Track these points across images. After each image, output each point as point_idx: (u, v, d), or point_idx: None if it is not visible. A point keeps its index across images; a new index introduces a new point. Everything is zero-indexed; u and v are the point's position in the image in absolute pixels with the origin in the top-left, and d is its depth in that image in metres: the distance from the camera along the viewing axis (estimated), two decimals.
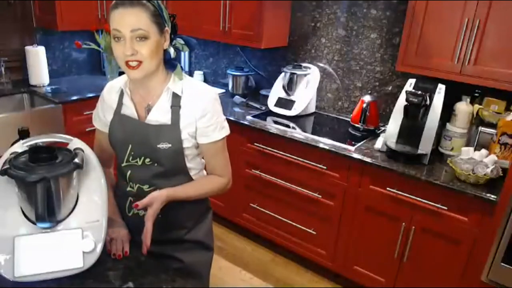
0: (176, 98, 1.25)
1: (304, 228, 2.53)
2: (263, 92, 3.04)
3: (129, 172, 1.31)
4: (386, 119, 2.47)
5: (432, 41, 2.12)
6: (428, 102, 2.09)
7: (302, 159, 2.41)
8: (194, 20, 2.95)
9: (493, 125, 2.06)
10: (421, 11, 2.11)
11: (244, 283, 2.54)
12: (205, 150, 1.33)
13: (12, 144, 1.18)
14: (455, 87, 2.13)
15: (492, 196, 1.82)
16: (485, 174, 1.88)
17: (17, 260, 1.06)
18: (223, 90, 3.28)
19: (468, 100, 2.17)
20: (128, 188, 1.33)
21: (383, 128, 2.54)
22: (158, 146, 1.24)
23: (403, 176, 2.05)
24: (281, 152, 2.50)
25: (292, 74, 2.75)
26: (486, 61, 1.98)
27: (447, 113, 2.19)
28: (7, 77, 2.97)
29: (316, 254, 2.54)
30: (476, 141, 2.11)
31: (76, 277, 1.10)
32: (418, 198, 2.04)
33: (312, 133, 2.47)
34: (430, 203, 2.01)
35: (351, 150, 2.25)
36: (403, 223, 2.11)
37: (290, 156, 2.46)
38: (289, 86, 2.78)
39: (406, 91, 2.11)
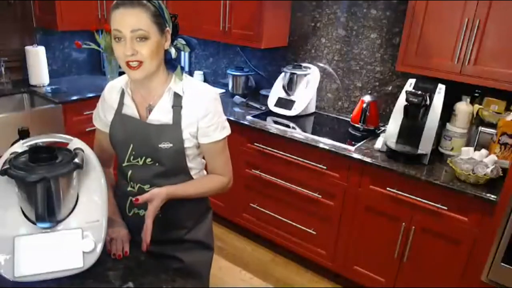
0: (177, 98, 1.25)
1: (304, 228, 2.53)
2: (263, 92, 3.04)
3: (130, 172, 1.31)
4: (386, 119, 2.47)
5: (432, 41, 2.12)
6: (428, 102, 2.09)
7: (302, 159, 2.41)
8: (194, 20, 2.95)
9: (493, 125, 2.06)
10: (421, 11, 2.11)
11: (244, 283, 2.54)
12: (206, 150, 1.33)
13: (12, 144, 1.18)
14: (455, 87, 2.13)
15: (492, 196, 1.82)
16: (485, 174, 1.88)
17: (17, 260, 1.06)
18: (223, 90, 3.28)
19: (468, 100, 2.17)
20: (129, 188, 1.33)
21: (383, 128, 2.54)
22: (159, 145, 1.24)
23: (403, 176, 2.05)
24: (281, 152, 2.50)
25: (292, 74, 2.75)
26: (486, 61, 1.98)
27: (447, 113, 2.19)
28: (7, 77, 2.97)
29: (316, 254, 2.54)
30: (476, 141, 2.11)
31: (76, 277, 1.10)
32: (418, 198, 2.04)
33: (312, 133, 2.47)
34: (430, 203, 2.01)
35: (351, 150, 2.25)
36: (403, 223, 2.11)
37: (290, 156, 2.46)
38: (289, 86, 2.78)
39: (406, 91, 2.11)
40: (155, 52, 1.17)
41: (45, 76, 3.07)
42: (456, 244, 1.99)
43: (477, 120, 2.14)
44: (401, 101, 2.16)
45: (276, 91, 2.86)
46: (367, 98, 2.53)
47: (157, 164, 1.27)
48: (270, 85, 2.97)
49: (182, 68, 1.29)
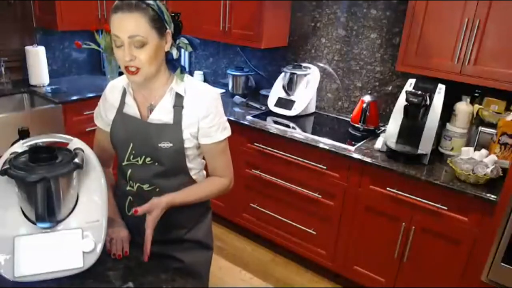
0: (179, 98, 1.25)
1: (304, 228, 2.53)
2: (263, 92, 3.04)
3: (129, 171, 1.31)
4: (386, 119, 2.47)
5: (432, 41, 2.12)
6: (428, 102, 2.09)
7: (302, 159, 2.41)
8: (194, 20, 2.95)
9: (493, 125, 2.06)
10: (421, 11, 2.11)
11: (244, 283, 2.54)
12: (206, 150, 1.33)
13: (12, 144, 1.18)
14: (455, 87, 2.13)
15: (492, 196, 1.82)
16: (485, 174, 1.88)
17: (17, 260, 1.06)
18: (223, 90, 3.27)
19: (468, 100, 2.17)
20: (128, 188, 1.34)
21: (383, 128, 2.54)
22: (159, 145, 1.24)
23: (403, 176, 2.05)
24: (281, 152, 2.50)
25: (292, 74, 2.75)
26: (486, 61, 1.98)
27: (447, 113, 2.19)
28: (7, 77, 2.97)
29: (316, 254, 2.54)
30: (476, 141, 2.11)
31: (76, 277, 1.10)
32: (418, 198, 2.04)
33: (312, 133, 2.47)
34: (430, 203, 2.01)
35: (351, 150, 2.25)
36: (403, 223, 2.11)
37: (290, 156, 2.46)
38: (289, 86, 2.78)
39: (406, 91, 2.11)
40: (153, 57, 1.16)
41: (45, 76, 3.07)
42: (456, 244, 1.99)
43: (477, 120, 2.14)
44: (401, 101, 2.16)
45: (276, 91, 2.86)
46: (367, 98, 2.53)
47: (156, 163, 1.27)
48: (270, 85, 2.97)
49: (184, 69, 1.29)
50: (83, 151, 1.15)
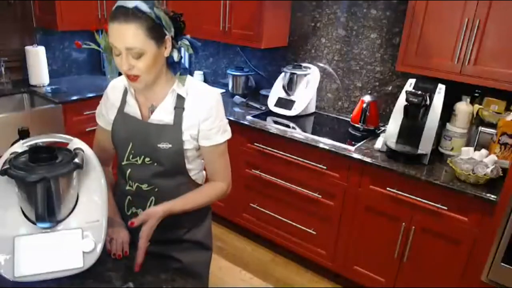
0: (180, 99, 1.25)
1: (304, 228, 2.53)
2: (263, 92, 3.04)
3: (128, 171, 1.31)
4: (386, 119, 2.47)
5: (432, 41, 2.12)
6: (428, 102, 2.09)
7: (302, 159, 2.41)
8: (194, 20, 2.95)
9: (493, 125, 2.06)
10: (421, 11, 2.11)
11: (244, 283, 2.54)
12: (206, 153, 1.32)
13: (12, 144, 1.18)
14: (455, 87, 2.13)
15: (492, 196, 1.82)
16: (485, 174, 1.88)
17: (17, 260, 1.06)
18: (223, 90, 3.27)
19: (468, 100, 2.17)
20: (127, 187, 1.34)
21: (383, 128, 2.54)
22: (159, 145, 1.24)
23: (403, 176, 2.05)
24: (281, 152, 2.50)
25: (292, 74, 2.75)
26: (486, 61, 1.98)
27: (447, 113, 2.19)
28: (7, 77, 2.97)
29: (316, 254, 2.54)
30: (476, 141, 2.11)
31: (76, 277, 1.10)
32: (418, 198, 2.04)
33: (312, 133, 2.47)
34: (430, 203, 2.01)
35: (351, 150, 2.25)
36: (403, 223, 2.11)
37: (290, 156, 2.46)
38: (289, 86, 2.78)
39: (406, 91, 2.11)
40: (152, 65, 1.16)
41: (45, 76, 3.07)
42: (456, 244, 1.99)
43: (477, 120, 2.14)
44: (401, 101, 2.16)
45: (276, 91, 2.86)
46: (367, 98, 2.53)
47: (155, 164, 1.27)
48: (270, 85, 2.97)
49: (186, 70, 1.28)
50: (83, 151, 1.15)
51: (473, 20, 1.96)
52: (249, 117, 2.69)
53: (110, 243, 1.22)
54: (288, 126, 2.59)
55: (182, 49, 1.26)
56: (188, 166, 1.30)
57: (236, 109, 2.87)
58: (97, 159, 1.20)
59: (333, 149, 2.27)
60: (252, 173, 2.67)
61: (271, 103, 2.84)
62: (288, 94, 2.80)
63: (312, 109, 2.87)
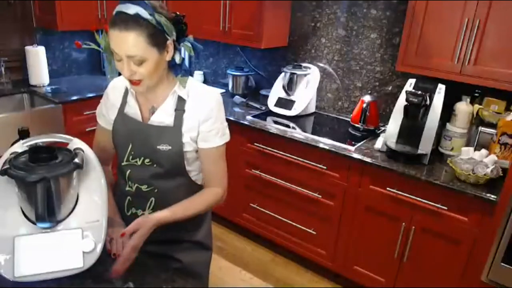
0: (181, 101, 1.25)
1: (304, 228, 2.53)
2: (263, 92, 3.04)
3: (128, 172, 1.31)
4: (386, 119, 2.47)
5: (432, 41, 2.12)
6: (428, 102, 2.09)
7: (302, 159, 2.41)
8: (194, 20, 2.94)
9: (493, 125, 2.06)
10: (421, 11, 2.11)
11: (244, 283, 2.54)
12: (203, 155, 1.30)
13: (12, 144, 1.18)
14: (455, 87, 2.13)
15: (492, 196, 1.82)
16: (485, 174, 1.88)
17: (17, 260, 1.06)
18: (223, 90, 3.27)
19: (468, 100, 2.17)
20: (127, 188, 1.33)
21: (383, 128, 2.54)
22: (158, 147, 1.24)
23: (403, 176, 2.05)
24: (281, 152, 2.50)
25: (292, 74, 2.75)
26: (486, 61, 1.98)
27: (447, 113, 2.19)
28: (7, 77, 2.97)
29: (316, 254, 2.54)
30: (476, 141, 2.11)
31: (76, 277, 1.10)
32: (418, 198, 2.04)
33: (312, 133, 2.47)
34: (430, 203, 2.01)
35: (351, 150, 2.25)
36: (403, 223, 2.11)
37: (290, 156, 2.46)
38: (289, 86, 2.78)
39: (406, 91, 2.11)
40: (154, 71, 1.16)
41: (45, 76, 3.07)
42: (456, 244, 1.99)
43: (477, 120, 2.14)
44: (401, 101, 2.16)
45: (276, 91, 2.86)
46: (367, 98, 2.53)
47: (155, 165, 1.27)
48: (270, 85, 2.97)
49: (187, 71, 1.27)
50: (83, 151, 1.15)
51: (473, 20, 1.96)
52: (249, 117, 2.69)
53: (110, 243, 1.22)
54: (288, 126, 2.59)
55: (183, 49, 1.26)
56: (188, 167, 1.30)
57: (236, 109, 2.87)
58: (97, 159, 1.20)
59: (333, 149, 2.27)
60: (252, 173, 2.67)
61: (271, 103, 2.84)
62: (288, 94, 2.80)
63: (312, 109, 2.87)
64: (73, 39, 3.31)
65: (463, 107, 2.16)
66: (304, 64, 2.85)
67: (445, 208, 1.97)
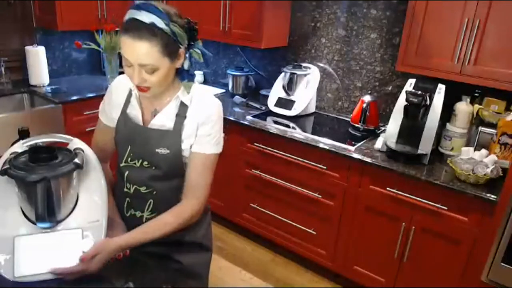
0: (183, 107, 1.24)
1: (304, 228, 2.53)
2: (263, 92, 3.04)
3: (127, 173, 1.31)
4: (386, 119, 2.47)
5: (432, 41, 2.12)
6: (428, 102, 2.09)
7: (302, 159, 2.41)
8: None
9: (493, 125, 2.06)
10: (421, 11, 2.11)
11: (244, 283, 2.54)
12: (191, 159, 1.26)
13: (12, 144, 1.18)
14: (455, 87, 2.13)
15: (492, 196, 1.82)
16: (485, 174, 1.88)
17: (17, 260, 1.06)
18: (223, 90, 3.27)
19: (468, 100, 2.17)
20: (125, 189, 1.33)
21: (383, 128, 2.54)
22: (157, 150, 1.23)
23: (403, 176, 2.05)
24: (281, 152, 2.50)
25: (292, 74, 2.75)
26: (486, 61, 1.98)
27: (447, 113, 2.20)
28: (7, 77, 2.97)
29: (316, 254, 2.54)
30: (476, 141, 2.11)
31: (76, 277, 1.10)
32: (418, 198, 2.04)
33: (312, 133, 2.47)
34: (430, 203, 2.01)
35: (351, 150, 2.25)
36: (403, 223, 2.11)
37: (290, 156, 2.46)
38: (289, 86, 2.78)
39: (406, 91, 2.11)
40: (164, 79, 1.15)
41: (45, 76, 3.07)
42: (456, 244, 1.99)
43: (477, 120, 2.14)
44: (401, 101, 2.16)
45: (276, 91, 2.86)
46: (367, 98, 2.53)
47: (154, 167, 1.27)
48: (270, 85, 2.97)
49: (193, 76, 1.27)
50: (83, 151, 1.15)
51: (473, 20, 1.96)
52: (249, 117, 2.69)
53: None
54: (288, 126, 2.59)
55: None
56: (186, 170, 1.29)
57: (236, 109, 2.87)
58: (97, 159, 1.20)
59: (333, 149, 2.27)
60: (252, 173, 2.67)
61: (271, 103, 2.84)
62: (288, 94, 2.80)
63: (312, 109, 2.87)
64: (73, 39, 3.31)
65: (463, 107, 2.16)
66: (304, 64, 2.85)
67: (445, 208, 1.97)
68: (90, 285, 1.11)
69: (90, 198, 1.16)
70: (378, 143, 2.30)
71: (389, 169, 2.08)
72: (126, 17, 1.11)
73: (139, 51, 1.08)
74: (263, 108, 2.87)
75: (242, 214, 2.84)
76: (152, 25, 1.07)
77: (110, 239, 1.13)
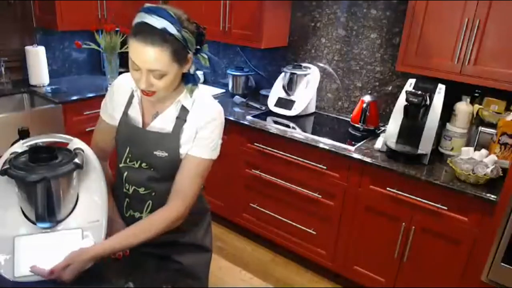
0: (184, 111, 1.23)
1: (304, 228, 2.53)
2: (263, 92, 3.04)
3: (126, 173, 1.30)
4: (386, 119, 2.47)
5: (432, 41, 2.12)
6: (428, 102, 2.09)
7: (302, 159, 2.41)
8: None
9: (493, 125, 2.06)
10: (421, 11, 2.11)
11: (244, 283, 2.54)
12: (184, 162, 1.23)
13: (12, 144, 1.19)
14: (455, 87, 2.13)
15: (492, 196, 1.82)
16: (485, 174, 1.88)
17: (17, 260, 1.06)
18: (223, 90, 3.27)
19: (468, 100, 2.17)
20: (125, 190, 1.33)
21: (383, 128, 2.54)
22: (155, 153, 1.23)
23: (403, 176, 2.05)
24: (281, 152, 2.50)
25: (292, 74, 2.75)
26: (486, 61, 1.98)
27: (447, 113, 2.19)
28: (7, 77, 2.97)
29: (316, 254, 2.54)
30: (476, 141, 2.11)
31: (76, 277, 1.10)
32: (418, 198, 2.04)
33: (312, 133, 2.47)
34: (430, 203, 2.01)
35: (351, 150, 2.25)
36: (403, 223, 2.11)
37: (290, 156, 2.46)
38: (289, 86, 2.78)
39: (406, 91, 2.11)
40: (171, 84, 1.15)
41: (45, 76, 3.07)
42: (456, 244, 1.99)
43: (477, 120, 2.14)
44: (401, 101, 2.16)
45: (276, 91, 2.86)
46: (367, 98, 2.53)
47: (152, 169, 1.27)
48: (270, 85, 2.97)
49: (197, 81, 1.24)
50: (83, 151, 1.16)
51: (473, 20, 1.96)
52: (249, 117, 2.69)
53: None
54: (288, 126, 2.59)
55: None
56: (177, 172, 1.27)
57: (236, 109, 2.87)
58: (97, 160, 1.20)
59: (333, 149, 2.27)
60: (252, 173, 2.67)
61: (271, 103, 2.84)
62: (288, 94, 2.80)
63: (312, 109, 2.87)
64: (73, 39, 3.31)
65: (463, 107, 2.16)
66: (304, 64, 2.85)
67: (445, 208, 1.97)
68: (90, 285, 1.11)
69: (90, 198, 1.16)
70: (378, 143, 2.30)
71: (389, 169, 2.08)
72: (137, 19, 1.09)
73: (149, 56, 1.06)
74: (263, 108, 2.87)
75: (242, 214, 2.84)
76: (164, 31, 1.06)
77: (84, 248, 1.08)
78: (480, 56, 1.99)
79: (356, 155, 2.20)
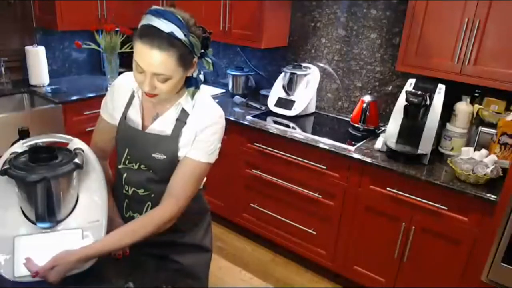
0: (184, 113, 1.22)
1: (304, 228, 2.53)
2: (263, 92, 3.04)
3: (125, 175, 1.30)
4: (386, 119, 2.47)
5: (432, 41, 2.12)
6: (428, 102, 2.09)
7: (302, 159, 2.41)
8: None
9: (493, 125, 2.06)
10: (421, 11, 2.11)
11: (244, 283, 2.54)
12: (181, 164, 1.22)
13: (12, 144, 1.18)
14: (455, 87, 2.13)
15: (492, 196, 1.82)
16: (485, 174, 1.88)
17: (17, 260, 1.06)
18: (223, 90, 3.27)
19: (468, 100, 2.17)
20: (124, 191, 1.33)
21: (383, 128, 2.54)
22: (153, 155, 1.23)
23: (403, 176, 2.05)
24: (281, 152, 2.50)
25: (292, 74, 2.75)
26: (486, 61, 1.98)
27: (447, 113, 2.20)
28: (7, 77, 2.97)
29: (316, 254, 2.54)
30: (476, 141, 2.11)
31: (76, 277, 1.10)
32: (418, 198, 2.04)
33: (312, 133, 2.47)
34: (430, 203, 2.01)
35: (351, 150, 2.25)
36: (403, 223, 2.11)
37: (290, 156, 2.46)
38: (289, 86, 2.78)
39: (406, 91, 2.11)
40: (175, 87, 1.14)
41: (45, 76, 3.07)
42: (456, 244, 1.99)
43: (477, 120, 2.14)
44: (401, 101, 2.16)
45: (276, 91, 2.86)
46: (367, 98, 2.53)
47: (151, 171, 1.26)
48: (270, 85, 2.97)
49: (199, 83, 1.23)
50: (83, 151, 1.15)
51: (473, 20, 1.96)
52: (249, 117, 2.69)
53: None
54: (288, 126, 2.59)
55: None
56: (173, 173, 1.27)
57: (236, 109, 2.87)
58: (97, 160, 1.20)
59: (333, 149, 2.27)
60: (252, 173, 2.67)
61: (271, 103, 2.84)
62: (288, 94, 2.80)
63: (312, 109, 2.87)
64: (73, 39, 3.31)
65: (463, 107, 2.16)
66: (304, 64, 2.85)
67: (445, 208, 1.97)
68: (90, 285, 1.11)
69: (90, 198, 1.16)
70: (378, 143, 2.30)
71: (389, 169, 2.08)
72: (143, 22, 1.08)
73: (155, 60, 1.05)
74: (263, 108, 2.87)
75: (242, 214, 2.84)
76: (171, 35, 1.05)
77: (70, 250, 1.06)
78: (480, 56, 1.99)
79: (356, 155, 2.20)
